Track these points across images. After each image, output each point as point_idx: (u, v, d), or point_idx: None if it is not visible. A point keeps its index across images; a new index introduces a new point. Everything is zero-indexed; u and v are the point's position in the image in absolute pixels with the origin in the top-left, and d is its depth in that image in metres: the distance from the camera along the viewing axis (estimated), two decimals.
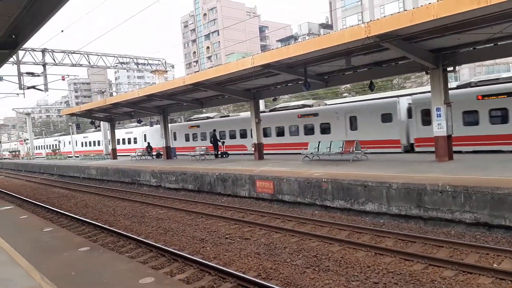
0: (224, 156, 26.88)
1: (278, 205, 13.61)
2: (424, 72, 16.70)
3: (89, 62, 31.56)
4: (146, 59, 36.31)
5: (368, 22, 11.20)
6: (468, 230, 9.09)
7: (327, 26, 70.22)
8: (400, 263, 7.46)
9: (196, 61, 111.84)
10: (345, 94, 42.08)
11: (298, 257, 8.06)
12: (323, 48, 12.42)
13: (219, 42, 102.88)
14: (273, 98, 25.53)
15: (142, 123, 37.32)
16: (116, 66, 34.80)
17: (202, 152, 25.77)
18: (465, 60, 15.46)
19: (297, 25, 79.92)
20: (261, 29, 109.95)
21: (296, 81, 18.92)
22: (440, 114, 14.05)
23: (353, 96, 37.43)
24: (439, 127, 14.15)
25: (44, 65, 28.58)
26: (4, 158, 66.12)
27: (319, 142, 18.69)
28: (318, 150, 18.18)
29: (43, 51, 28.68)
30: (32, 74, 27.96)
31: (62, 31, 20.60)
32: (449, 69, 14.56)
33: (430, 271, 7.00)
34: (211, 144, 27.03)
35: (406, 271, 6.99)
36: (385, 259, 7.66)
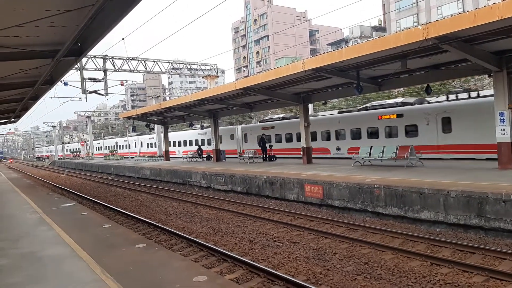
0: (272, 159, 26.95)
1: (327, 210, 13.41)
2: (485, 75, 15.76)
3: (146, 68, 33.04)
4: (199, 65, 37.37)
5: (426, 24, 10.80)
6: None
7: (380, 29, 68.36)
8: (458, 274, 7.08)
9: (246, 66, 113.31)
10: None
11: (348, 264, 7.89)
12: (377, 51, 12.14)
13: (268, 47, 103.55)
14: (323, 102, 25.24)
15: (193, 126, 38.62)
16: (170, 71, 36.13)
17: (250, 155, 26.03)
18: None
19: (348, 28, 78.51)
20: (311, 33, 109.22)
21: (347, 85, 18.61)
22: (503, 119, 13.19)
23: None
24: (502, 133, 13.29)
25: (105, 71, 30.32)
26: (67, 158, 70.71)
27: (371, 147, 18.21)
28: (370, 155, 17.72)
29: (104, 58, 30.44)
30: (94, 79, 29.84)
31: (123, 39, 21.74)
32: None
33: (491, 284, 6.60)
34: (259, 148, 27.25)
35: (464, 283, 6.63)
36: (442, 270, 7.30)
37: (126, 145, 56.43)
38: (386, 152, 17.07)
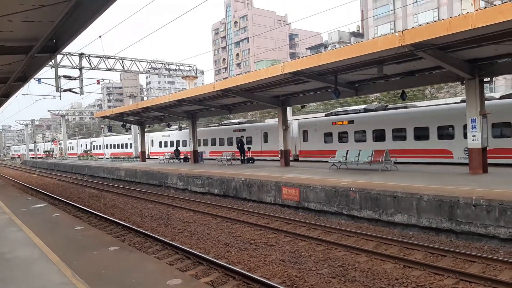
0: (250, 161, 26.97)
1: (304, 213, 13.50)
2: (458, 83, 16.23)
3: (123, 67, 32.48)
4: (177, 65, 37.03)
5: (402, 31, 11.05)
6: (502, 245, 8.73)
7: (358, 35, 69.61)
8: (430, 276, 7.23)
9: (226, 68, 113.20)
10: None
11: (323, 266, 7.95)
12: (355, 56, 12.32)
13: (248, 49, 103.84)
14: (301, 105, 25.45)
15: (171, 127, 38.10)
16: (148, 71, 35.68)
17: (228, 157, 25.96)
18: (503, 71, 14.95)
19: (327, 33, 79.53)
20: (291, 37, 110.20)
21: (325, 89, 18.82)
22: (475, 125, 13.62)
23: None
24: (474, 139, 13.72)
25: (80, 69, 29.62)
26: (39, 158, 68.71)
27: (347, 150, 18.46)
28: (346, 158, 17.96)
29: (80, 55, 29.74)
30: (69, 77, 29.06)
31: (100, 36, 21.34)
32: (485, 79, 14.14)
33: (461, 286, 6.77)
34: (237, 149, 27.23)
35: (436, 286, 6.77)
36: (414, 272, 7.45)
37: (100, 145, 55.33)
38: (361, 156, 17.34)
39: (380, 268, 7.71)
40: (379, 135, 21.78)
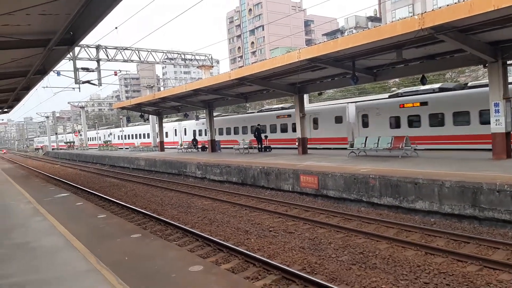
0: (268, 150, 26.95)
1: (323, 200, 13.45)
2: (480, 66, 15.76)
3: (140, 58, 32.69)
4: (193, 55, 37.04)
5: (422, 14, 10.74)
6: None
7: (375, 19, 68.18)
8: (453, 263, 7.13)
9: (241, 57, 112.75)
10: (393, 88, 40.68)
11: (343, 253, 7.93)
12: (373, 41, 12.08)
13: (263, 37, 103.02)
14: (318, 92, 25.19)
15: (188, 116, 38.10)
16: (165, 61, 35.80)
17: (245, 146, 26.00)
18: None
19: (343, 18, 78.12)
20: (307, 23, 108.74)
21: (343, 75, 18.55)
22: (498, 109, 13.24)
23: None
24: (497, 123, 13.35)
25: (98, 60, 29.95)
26: (61, 149, 70.30)
27: (366, 137, 18.24)
28: (365, 145, 17.75)
29: (97, 47, 30.04)
30: (87, 69, 29.49)
31: (116, 28, 21.47)
32: (509, 62, 13.69)
33: (485, 273, 6.65)
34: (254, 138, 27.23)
35: (459, 272, 6.68)
36: (436, 259, 7.36)
37: (120, 135, 56.16)
38: (381, 142, 17.10)
39: (401, 255, 7.64)
40: (461, 119, 18.52)
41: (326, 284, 6.16)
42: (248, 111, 41.79)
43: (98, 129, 71.10)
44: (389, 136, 17.59)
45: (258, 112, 34.98)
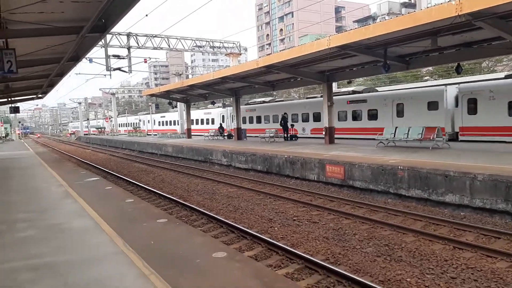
0: (294, 139, 26.80)
1: (348, 191, 13.28)
2: None
3: (169, 45, 33.00)
4: (221, 42, 37.05)
5: None
6: None
7: (409, 5, 65.90)
8: (482, 259, 6.91)
9: (269, 44, 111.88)
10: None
11: (368, 245, 7.82)
12: (407, 28, 11.65)
13: (292, 24, 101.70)
14: (348, 80, 24.68)
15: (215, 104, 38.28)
16: (193, 49, 36.00)
17: (271, 134, 25.93)
18: None
19: (376, 4, 75.99)
20: (337, 10, 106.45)
21: (374, 63, 18.05)
22: None
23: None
24: None
25: (128, 48, 30.48)
26: (92, 134, 72.46)
27: (396, 127, 17.78)
28: (394, 136, 17.33)
29: (128, 35, 30.53)
30: (118, 56, 30.09)
31: (146, 15, 21.71)
32: None
33: None
34: (281, 127, 27.09)
35: (487, 268, 6.46)
36: (464, 254, 7.14)
37: (149, 121, 57.17)
38: (411, 133, 16.64)
39: (428, 249, 7.46)
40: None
41: (349, 275, 6.10)
42: (282, 99, 39.42)
43: (127, 115, 72.62)
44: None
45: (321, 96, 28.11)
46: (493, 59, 34.76)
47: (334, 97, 25.49)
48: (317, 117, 27.81)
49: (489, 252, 7.10)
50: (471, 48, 14.82)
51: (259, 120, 34.55)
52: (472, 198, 9.78)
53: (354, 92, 26.63)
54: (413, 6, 63.35)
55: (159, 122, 55.30)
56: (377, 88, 28.94)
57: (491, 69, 36.54)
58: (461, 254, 7.17)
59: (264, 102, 35.60)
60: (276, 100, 36.99)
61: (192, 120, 42.44)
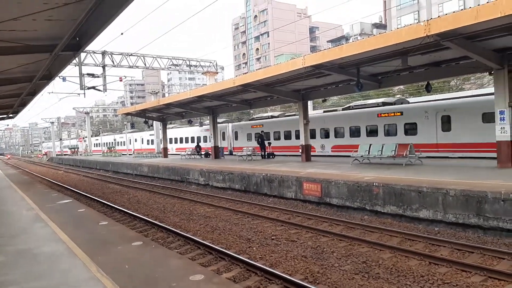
0: (271, 157, 26.89)
1: (326, 208, 13.35)
2: (486, 73, 15.66)
3: (145, 64, 32.91)
4: (198, 61, 37.24)
5: (428, 20, 10.72)
6: None
7: (380, 26, 68.25)
8: (457, 274, 7.02)
9: (245, 63, 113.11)
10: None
11: (346, 262, 7.83)
12: (378, 48, 12.05)
13: (268, 43, 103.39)
14: (322, 99, 25.14)
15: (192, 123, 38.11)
16: (170, 67, 36.00)
17: (249, 153, 25.96)
18: None
19: (348, 25, 78.33)
20: (311, 30, 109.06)
21: (347, 82, 18.52)
22: (504, 117, 13.13)
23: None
24: (502, 131, 13.24)
25: (103, 66, 30.20)
26: (65, 154, 70.59)
27: (370, 144, 18.14)
28: (368, 153, 17.66)
29: (103, 53, 30.29)
30: (92, 75, 29.73)
31: (122, 33, 21.62)
32: None
33: (489, 284, 6.54)
34: (258, 145, 27.18)
35: (463, 283, 6.57)
36: (440, 269, 7.25)
37: (123, 141, 56.30)
38: (385, 150, 17.02)
39: (405, 265, 7.54)
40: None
41: None
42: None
43: (101, 135, 71.35)
44: None
45: (343, 109, 27.17)
46: (461, 78, 36.25)
47: (359, 110, 24.54)
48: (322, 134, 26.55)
49: (464, 267, 7.22)
50: (440, 67, 15.43)
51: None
52: (445, 213, 10.00)
53: (384, 104, 23.92)
54: (384, 27, 65.69)
55: (135, 140, 54.47)
56: (409, 100, 26.78)
57: (459, 87, 38.05)
58: (437, 269, 7.27)
59: (272, 117, 33.05)
60: (287, 114, 33.57)
61: (170, 138, 42.01)
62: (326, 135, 26.37)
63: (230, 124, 37.24)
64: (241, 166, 20.32)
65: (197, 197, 17.55)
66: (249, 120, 35.86)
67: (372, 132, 23.15)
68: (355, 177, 13.16)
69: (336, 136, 25.65)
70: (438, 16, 11.03)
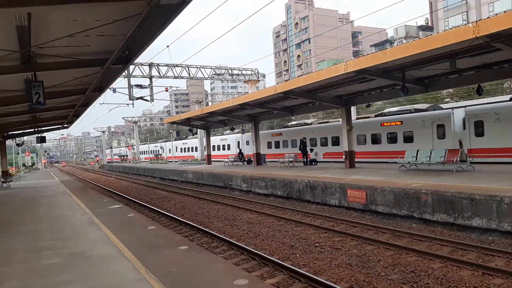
0: (313, 163, 26.64)
1: (371, 216, 13.03)
2: None
3: (189, 74, 33.87)
4: (240, 70, 37.78)
5: (476, 21, 10.26)
6: None
7: (427, 28, 65.91)
8: None
9: (287, 70, 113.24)
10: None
11: (393, 272, 7.60)
12: (424, 51, 11.66)
13: (309, 50, 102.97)
14: (366, 104, 24.63)
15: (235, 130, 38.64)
16: (213, 77, 36.80)
17: (291, 159, 25.88)
18: None
19: (393, 28, 76.30)
20: (354, 35, 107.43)
21: (392, 86, 18.04)
22: None
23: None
24: None
25: (150, 78, 31.41)
26: (115, 162, 73.84)
27: (417, 150, 17.51)
28: (416, 159, 17.05)
29: (150, 65, 31.54)
30: (140, 86, 31.04)
31: (167, 46, 22.44)
32: None
33: None
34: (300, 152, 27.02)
35: None
36: (494, 280, 6.86)
37: (170, 149, 58.09)
38: (433, 156, 16.34)
39: (456, 275, 7.20)
40: None
41: None
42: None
43: (149, 143, 73.95)
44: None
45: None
46: None
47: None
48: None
49: None
50: (491, 69, 14.68)
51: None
52: (500, 222, 9.45)
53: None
54: (430, 29, 63.38)
55: (181, 149, 56.02)
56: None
57: None
58: (491, 280, 6.90)
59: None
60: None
61: (213, 146, 42.93)
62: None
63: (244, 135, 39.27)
64: (282, 173, 20.32)
65: (240, 203, 17.74)
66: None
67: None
68: (401, 184, 12.75)
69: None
70: (488, 17, 10.54)
